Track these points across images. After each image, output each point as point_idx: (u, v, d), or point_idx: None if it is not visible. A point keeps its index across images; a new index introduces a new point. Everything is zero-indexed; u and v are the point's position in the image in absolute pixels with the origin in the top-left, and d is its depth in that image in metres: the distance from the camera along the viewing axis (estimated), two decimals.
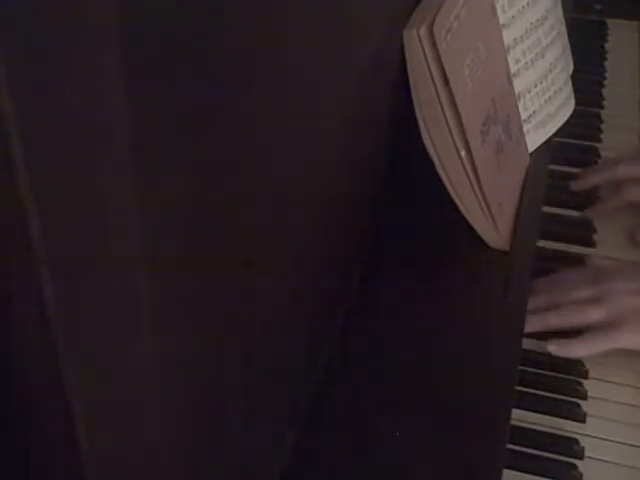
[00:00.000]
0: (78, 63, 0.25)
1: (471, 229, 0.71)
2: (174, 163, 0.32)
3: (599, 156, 0.98)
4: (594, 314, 0.71)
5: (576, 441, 0.67)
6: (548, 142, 0.84)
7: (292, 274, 0.50)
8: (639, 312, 0.70)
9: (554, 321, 0.72)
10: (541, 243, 0.83)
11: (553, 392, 0.70)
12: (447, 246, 0.72)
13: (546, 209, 0.86)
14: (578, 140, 0.99)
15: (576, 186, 0.89)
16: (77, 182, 0.26)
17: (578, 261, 0.83)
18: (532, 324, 0.71)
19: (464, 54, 0.66)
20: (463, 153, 0.66)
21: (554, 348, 0.71)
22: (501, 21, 0.75)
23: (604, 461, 0.66)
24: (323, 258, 0.57)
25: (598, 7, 1.26)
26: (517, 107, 0.78)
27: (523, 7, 0.78)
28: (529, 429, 0.67)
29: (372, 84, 0.60)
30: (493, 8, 0.73)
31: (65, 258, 0.26)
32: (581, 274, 0.76)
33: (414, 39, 0.62)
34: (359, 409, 0.59)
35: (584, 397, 0.70)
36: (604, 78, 1.13)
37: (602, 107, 1.07)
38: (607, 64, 1.16)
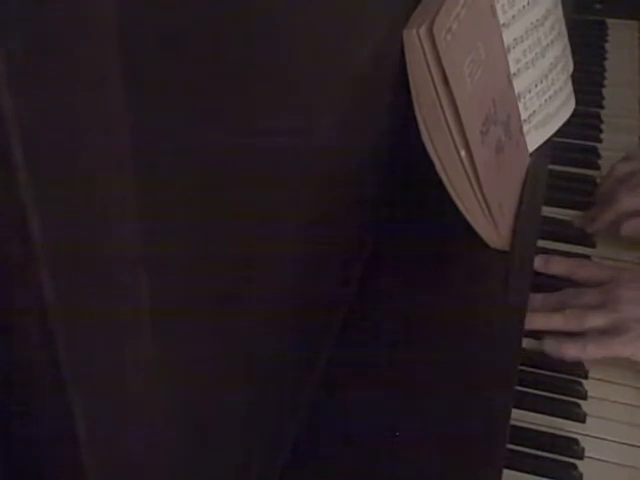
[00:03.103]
0: (78, 63, 0.25)
1: (471, 229, 0.71)
2: (174, 163, 0.32)
3: (599, 156, 0.98)
4: (596, 320, 0.71)
5: (576, 441, 0.67)
6: (548, 142, 0.84)
7: (292, 274, 0.50)
8: None
9: (557, 323, 0.72)
10: (541, 243, 0.83)
11: (553, 392, 0.70)
12: (447, 246, 0.72)
13: (546, 209, 0.86)
14: (578, 140, 0.99)
15: (590, 228, 0.87)
16: (77, 182, 0.26)
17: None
18: (535, 322, 0.71)
19: (464, 54, 0.66)
20: (463, 153, 0.66)
21: (550, 347, 0.71)
22: (501, 21, 0.75)
23: (604, 461, 0.66)
24: (323, 258, 0.56)
25: (598, 7, 1.26)
26: (517, 107, 0.78)
27: (523, 7, 0.78)
28: (529, 429, 0.67)
29: (372, 84, 0.60)
30: (493, 8, 0.73)
31: (65, 258, 0.26)
32: (596, 274, 0.76)
33: (414, 39, 0.62)
34: (358, 409, 0.59)
35: (584, 397, 0.70)
36: (604, 78, 1.13)
37: (602, 107, 1.07)
38: (607, 64, 1.16)
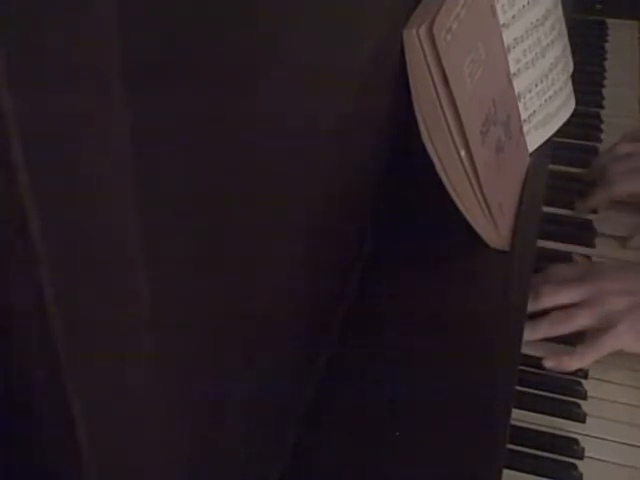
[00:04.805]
0: (78, 63, 0.25)
1: (471, 229, 0.71)
2: (174, 163, 0.32)
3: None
4: (584, 320, 0.71)
5: (576, 441, 0.67)
6: (548, 142, 0.84)
7: (292, 274, 0.50)
8: (629, 313, 0.70)
9: (545, 330, 0.72)
10: (541, 243, 0.83)
11: (553, 392, 0.70)
12: (447, 246, 0.72)
13: (546, 209, 0.86)
14: (578, 140, 0.99)
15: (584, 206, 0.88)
16: (77, 182, 0.26)
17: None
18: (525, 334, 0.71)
19: (464, 54, 0.66)
20: (463, 153, 0.66)
21: (551, 364, 0.71)
22: (501, 21, 0.75)
23: (604, 461, 0.66)
24: (323, 258, 0.56)
25: (598, 7, 1.26)
26: (517, 107, 0.78)
27: (523, 7, 0.78)
28: (529, 429, 0.67)
29: (372, 84, 0.60)
30: (493, 8, 0.73)
31: (65, 258, 0.26)
32: (569, 271, 0.76)
33: (414, 39, 0.62)
34: (359, 409, 0.59)
35: (584, 397, 0.70)
36: (604, 78, 1.13)
37: (602, 107, 1.07)
38: (607, 64, 1.16)
